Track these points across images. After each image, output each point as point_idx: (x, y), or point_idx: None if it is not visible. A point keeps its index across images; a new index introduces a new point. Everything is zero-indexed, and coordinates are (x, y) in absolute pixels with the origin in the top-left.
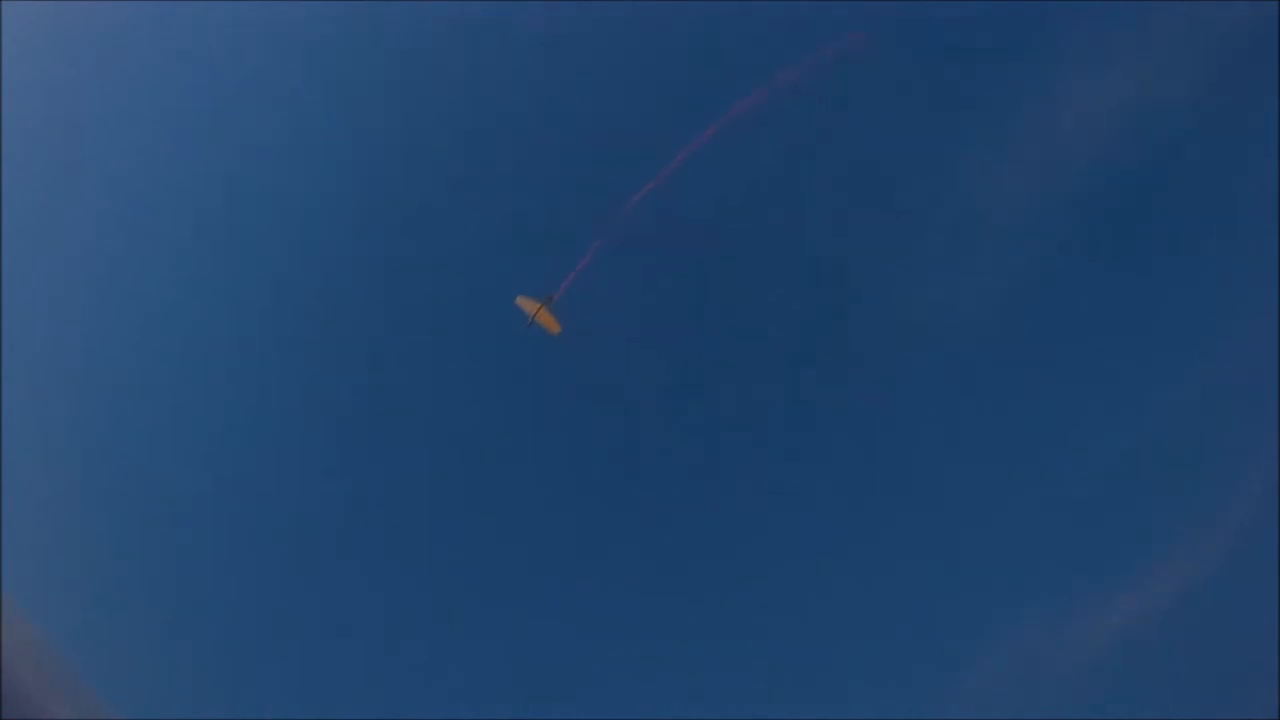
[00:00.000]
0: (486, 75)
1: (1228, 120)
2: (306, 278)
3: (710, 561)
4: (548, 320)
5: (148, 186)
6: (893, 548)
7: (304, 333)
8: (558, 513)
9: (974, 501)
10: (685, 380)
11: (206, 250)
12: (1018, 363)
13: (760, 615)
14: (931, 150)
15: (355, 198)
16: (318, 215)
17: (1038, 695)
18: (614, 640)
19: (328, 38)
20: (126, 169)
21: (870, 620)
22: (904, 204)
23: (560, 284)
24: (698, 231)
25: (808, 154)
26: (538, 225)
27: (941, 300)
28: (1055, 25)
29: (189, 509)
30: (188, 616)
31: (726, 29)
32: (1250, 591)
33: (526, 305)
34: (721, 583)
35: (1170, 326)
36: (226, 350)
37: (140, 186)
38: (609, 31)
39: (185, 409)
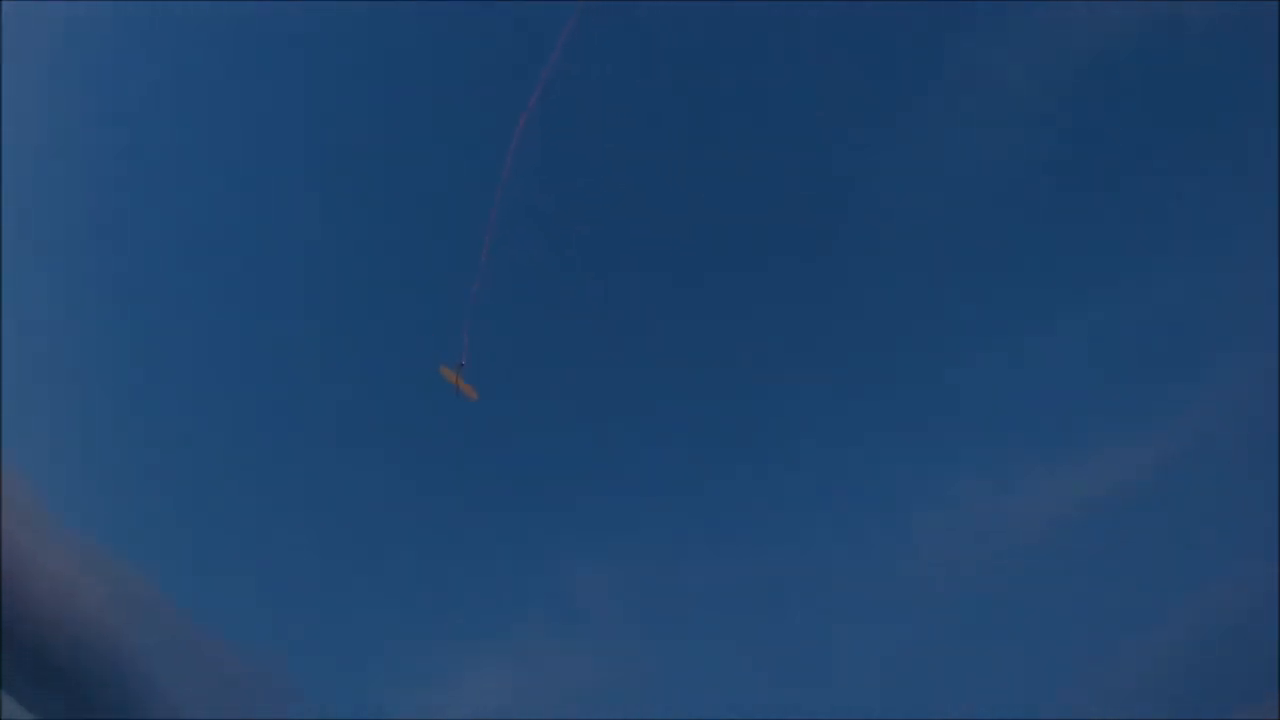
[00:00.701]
0: None
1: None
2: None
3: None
4: (466, 389)
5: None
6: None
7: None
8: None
9: (944, 373)
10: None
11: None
12: (986, 254)
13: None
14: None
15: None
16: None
17: (971, 556)
18: None
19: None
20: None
21: (819, 465)
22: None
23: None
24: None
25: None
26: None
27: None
28: None
29: (182, 362)
30: (179, 463)
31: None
32: (1186, 497)
33: (448, 375)
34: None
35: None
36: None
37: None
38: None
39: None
